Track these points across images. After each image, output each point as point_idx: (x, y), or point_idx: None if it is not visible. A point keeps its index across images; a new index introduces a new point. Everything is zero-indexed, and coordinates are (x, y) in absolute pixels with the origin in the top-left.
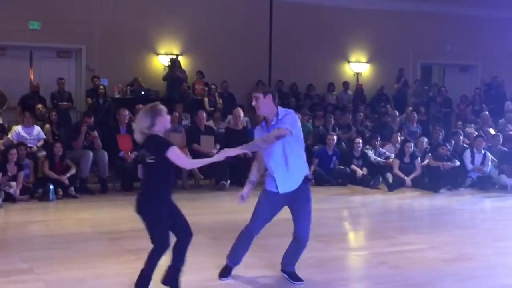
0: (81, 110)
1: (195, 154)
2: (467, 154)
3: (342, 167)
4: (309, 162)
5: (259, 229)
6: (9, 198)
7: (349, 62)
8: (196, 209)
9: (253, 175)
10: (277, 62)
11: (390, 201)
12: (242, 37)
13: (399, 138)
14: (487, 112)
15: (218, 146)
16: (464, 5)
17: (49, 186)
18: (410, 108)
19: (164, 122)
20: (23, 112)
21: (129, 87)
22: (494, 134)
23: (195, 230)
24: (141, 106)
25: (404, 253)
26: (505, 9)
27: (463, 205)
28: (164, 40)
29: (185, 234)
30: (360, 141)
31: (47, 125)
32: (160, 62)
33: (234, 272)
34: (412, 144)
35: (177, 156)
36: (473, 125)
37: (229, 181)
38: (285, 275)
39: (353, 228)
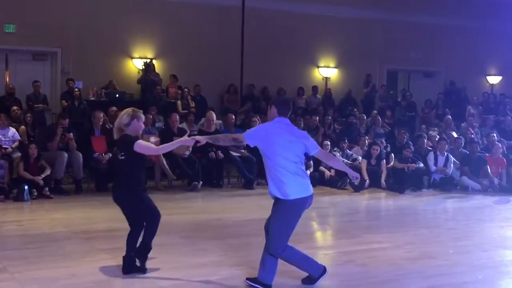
0: (56, 112)
1: (168, 156)
2: (431, 156)
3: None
4: None
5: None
6: None
7: (318, 67)
8: (168, 209)
9: None
10: (249, 67)
11: (356, 201)
12: (214, 42)
13: (366, 141)
14: (449, 116)
15: (190, 148)
16: (428, 14)
17: (24, 187)
18: (375, 111)
19: (137, 127)
20: None
21: (103, 90)
22: (457, 138)
23: (167, 230)
24: (115, 108)
25: (370, 252)
26: (466, 18)
27: (426, 206)
28: (139, 44)
29: (153, 217)
30: (329, 143)
31: (22, 127)
32: (134, 65)
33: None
34: (379, 147)
35: (143, 147)
36: (436, 128)
37: (201, 182)
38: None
39: (321, 227)
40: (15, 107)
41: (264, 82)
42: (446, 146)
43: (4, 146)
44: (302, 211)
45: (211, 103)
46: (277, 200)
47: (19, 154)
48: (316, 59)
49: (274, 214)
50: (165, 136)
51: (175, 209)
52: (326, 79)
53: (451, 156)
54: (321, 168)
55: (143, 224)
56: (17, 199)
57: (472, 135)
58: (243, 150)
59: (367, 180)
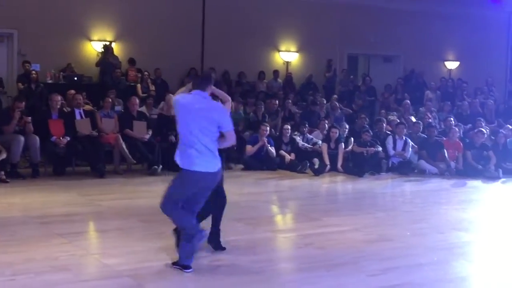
0: (12, 95)
1: (128, 140)
2: (389, 140)
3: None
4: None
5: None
6: None
7: (279, 51)
8: (128, 193)
9: None
10: (210, 50)
11: (316, 185)
12: (175, 25)
13: (326, 124)
14: (408, 101)
15: (150, 132)
16: None
17: None
18: (335, 96)
19: None
20: None
21: (61, 73)
22: (415, 122)
23: (126, 214)
24: (73, 91)
25: (329, 235)
26: (425, 3)
27: (384, 189)
28: (97, 27)
29: None
30: (289, 127)
31: None
32: (93, 48)
33: (164, 255)
34: (338, 130)
35: None
36: (395, 113)
37: (161, 166)
38: None
39: (280, 211)
40: None
41: (225, 66)
42: (405, 130)
43: None
44: (200, 185)
45: (172, 86)
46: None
47: None
48: (277, 43)
49: (174, 177)
50: (124, 119)
51: (134, 193)
52: (287, 63)
53: (409, 140)
54: (281, 152)
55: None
56: None
57: (430, 120)
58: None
59: (328, 165)
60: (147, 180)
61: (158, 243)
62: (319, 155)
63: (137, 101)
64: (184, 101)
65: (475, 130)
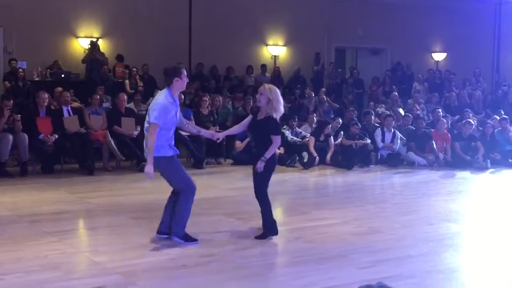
0: None
1: (116, 136)
2: (378, 133)
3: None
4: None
5: None
6: None
7: (267, 45)
8: (117, 190)
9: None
10: (197, 45)
11: (305, 178)
12: (162, 20)
13: (314, 118)
14: (396, 93)
15: (139, 128)
16: None
17: None
18: (324, 89)
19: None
20: None
21: (48, 70)
22: (405, 115)
23: (117, 211)
24: (60, 88)
25: (319, 228)
26: None
27: (374, 181)
28: (84, 23)
29: None
30: None
31: None
32: (80, 45)
33: (155, 251)
34: (330, 125)
35: None
36: (383, 105)
37: None
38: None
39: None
40: None
41: (213, 61)
42: (393, 122)
43: None
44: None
45: (160, 82)
46: None
47: None
48: (265, 38)
49: None
50: (113, 116)
51: (124, 190)
52: (275, 57)
53: (398, 132)
54: None
55: None
56: None
57: (418, 111)
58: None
59: (317, 157)
60: (136, 177)
61: (149, 240)
62: (308, 149)
63: (125, 97)
64: None
65: (463, 121)
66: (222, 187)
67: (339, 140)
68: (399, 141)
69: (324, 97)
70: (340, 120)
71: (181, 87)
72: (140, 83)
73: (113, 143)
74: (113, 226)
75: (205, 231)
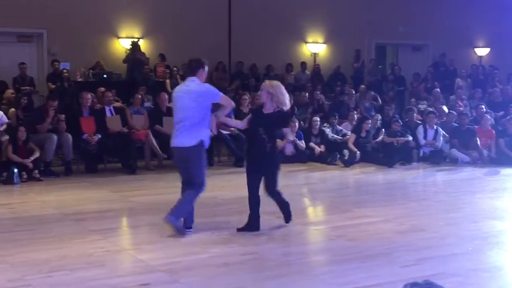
0: (44, 95)
1: (158, 135)
2: (420, 130)
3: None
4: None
5: None
6: None
7: (306, 43)
8: (160, 188)
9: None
10: (237, 44)
11: (347, 176)
12: (202, 20)
13: (355, 115)
14: (438, 89)
15: None
16: None
17: (13, 170)
18: (363, 86)
19: None
20: None
21: (91, 71)
22: (448, 112)
23: (158, 210)
24: (102, 89)
25: (361, 226)
26: None
27: (416, 179)
28: (125, 24)
29: None
30: (318, 119)
31: (12, 109)
32: (121, 45)
33: (196, 248)
34: (370, 121)
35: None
36: (425, 102)
37: None
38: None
39: (312, 203)
40: (10, 91)
41: (253, 59)
42: (435, 119)
43: None
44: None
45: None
46: None
47: (7, 137)
48: (304, 35)
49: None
50: (154, 115)
51: (166, 189)
52: (315, 55)
53: (441, 129)
54: (311, 144)
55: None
56: (7, 182)
57: (461, 108)
58: (233, 128)
59: (357, 153)
60: (178, 176)
61: (191, 238)
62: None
63: (166, 96)
64: None
65: (508, 117)
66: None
67: (380, 138)
68: (441, 138)
69: (371, 92)
70: (380, 117)
71: (205, 78)
72: (181, 83)
73: (154, 142)
74: (156, 224)
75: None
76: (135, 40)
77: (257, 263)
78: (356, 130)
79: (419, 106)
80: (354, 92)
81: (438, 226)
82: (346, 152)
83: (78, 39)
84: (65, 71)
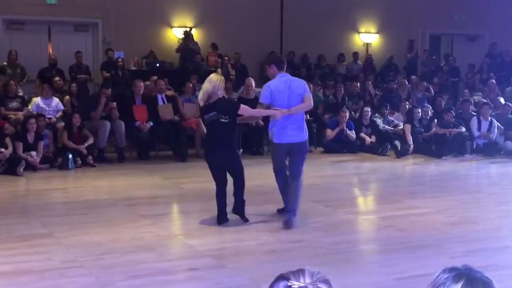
0: (98, 82)
1: None
2: (474, 122)
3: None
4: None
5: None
6: (30, 167)
7: (358, 33)
8: (208, 176)
9: None
10: (289, 34)
11: (397, 167)
12: (254, 9)
13: (407, 106)
14: (493, 81)
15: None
16: None
17: (68, 156)
18: (414, 77)
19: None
20: (42, 84)
21: (144, 60)
22: (504, 104)
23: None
24: (155, 77)
25: (410, 217)
26: None
27: (468, 171)
28: (178, 13)
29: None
30: (369, 109)
31: (67, 97)
32: (174, 34)
33: (245, 235)
34: (420, 110)
35: (244, 109)
36: (480, 93)
37: (241, 150)
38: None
39: (361, 193)
40: (57, 78)
41: (304, 49)
42: (490, 111)
43: (48, 116)
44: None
45: (252, 71)
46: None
47: (63, 123)
48: (357, 25)
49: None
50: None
51: None
52: (367, 45)
53: (495, 121)
54: (362, 134)
55: (226, 181)
56: (62, 168)
57: None
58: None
59: (411, 146)
60: None
61: (239, 225)
62: (400, 137)
63: None
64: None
65: None
66: (311, 175)
67: (433, 130)
68: (496, 130)
69: (424, 83)
70: (430, 107)
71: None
72: (232, 72)
73: (205, 131)
74: (205, 211)
75: None
76: (188, 29)
77: (305, 250)
78: (410, 120)
79: (474, 97)
80: (407, 83)
81: (490, 219)
82: (397, 142)
83: (132, 29)
84: (120, 60)
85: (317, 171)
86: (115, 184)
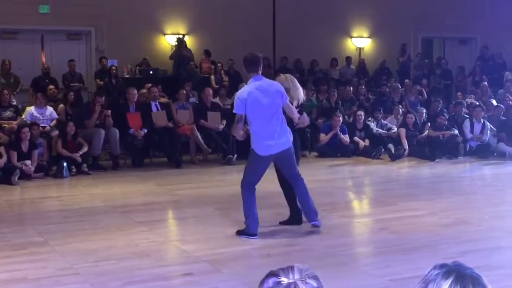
0: (92, 91)
1: (203, 130)
2: (467, 124)
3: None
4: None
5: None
6: (25, 176)
7: (351, 37)
8: (204, 182)
9: None
10: (281, 39)
11: (391, 170)
12: (246, 15)
13: (400, 110)
14: (485, 83)
15: (224, 122)
16: None
17: (63, 164)
18: (407, 80)
19: None
20: (35, 93)
21: (138, 67)
22: (496, 106)
23: (203, 202)
24: (149, 85)
25: (405, 219)
26: None
27: (462, 173)
28: (171, 20)
29: None
30: (362, 113)
31: (61, 105)
32: (167, 41)
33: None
34: (413, 115)
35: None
36: (472, 95)
37: (236, 155)
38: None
39: (356, 196)
40: (51, 87)
41: (297, 54)
42: (482, 113)
43: (42, 125)
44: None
45: (245, 77)
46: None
47: (57, 132)
48: (349, 29)
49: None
50: (199, 110)
51: (210, 182)
52: (360, 49)
53: (488, 123)
54: (355, 138)
55: None
56: (57, 176)
57: (511, 102)
58: None
59: (406, 150)
60: (222, 170)
61: (234, 230)
62: (394, 140)
63: (211, 92)
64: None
65: None
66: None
67: (426, 132)
68: (489, 132)
69: (417, 86)
70: (425, 110)
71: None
72: (225, 78)
73: (199, 137)
74: (200, 217)
75: None
76: (181, 36)
77: (300, 254)
78: (404, 124)
79: (466, 100)
80: (399, 87)
81: (484, 220)
82: (391, 146)
83: (125, 37)
84: (113, 68)
85: (312, 175)
86: (110, 192)
